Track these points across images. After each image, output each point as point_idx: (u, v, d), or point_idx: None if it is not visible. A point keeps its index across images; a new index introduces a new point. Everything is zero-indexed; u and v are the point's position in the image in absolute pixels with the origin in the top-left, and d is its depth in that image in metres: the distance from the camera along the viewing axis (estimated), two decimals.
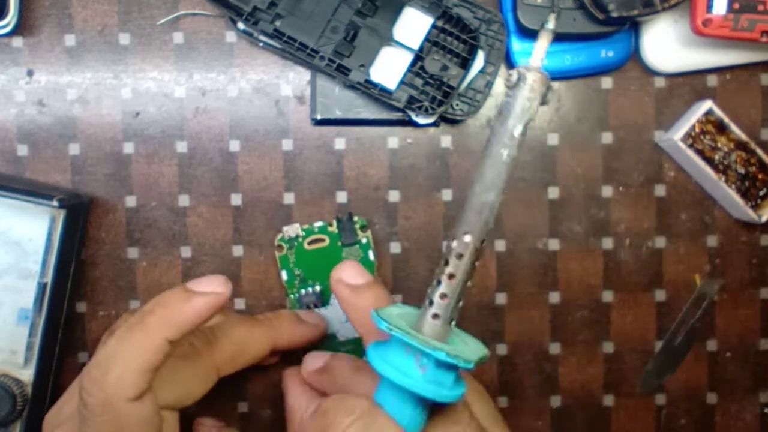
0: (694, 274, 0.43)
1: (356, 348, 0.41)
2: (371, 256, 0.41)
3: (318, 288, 0.41)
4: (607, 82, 0.43)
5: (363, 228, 0.41)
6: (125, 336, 0.30)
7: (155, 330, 0.30)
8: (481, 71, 0.41)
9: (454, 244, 0.29)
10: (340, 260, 0.41)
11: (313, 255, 0.41)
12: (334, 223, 0.41)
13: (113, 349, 0.30)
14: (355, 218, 0.41)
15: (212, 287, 0.31)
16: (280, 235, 0.41)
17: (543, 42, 0.29)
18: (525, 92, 0.28)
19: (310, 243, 0.41)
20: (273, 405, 0.43)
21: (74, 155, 0.42)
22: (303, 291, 0.41)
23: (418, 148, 0.43)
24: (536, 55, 0.29)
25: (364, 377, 0.32)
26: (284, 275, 0.41)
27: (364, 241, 0.41)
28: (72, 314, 0.42)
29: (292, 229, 0.41)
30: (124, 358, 0.30)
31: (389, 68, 0.40)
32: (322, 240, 0.41)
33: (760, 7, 0.37)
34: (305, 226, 0.41)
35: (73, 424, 0.33)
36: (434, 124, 0.42)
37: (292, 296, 0.41)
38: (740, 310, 0.43)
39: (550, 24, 0.29)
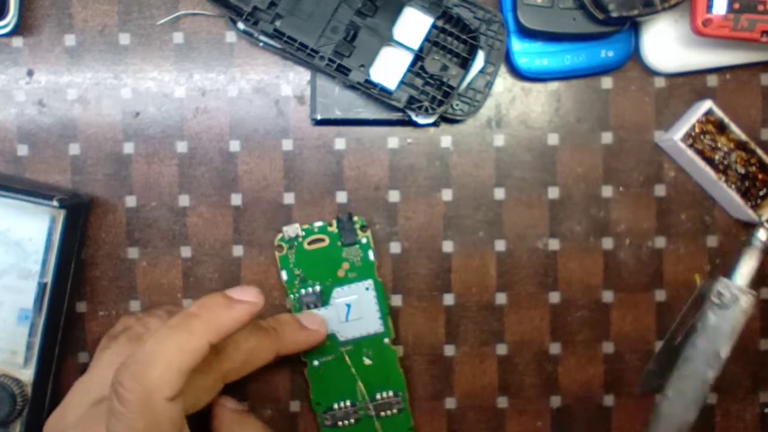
0: (694, 274, 0.43)
1: (355, 350, 0.41)
2: (371, 256, 0.41)
3: (318, 288, 0.41)
4: (607, 82, 0.43)
5: (363, 228, 0.41)
6: (168, 336, 0.31)
7: (199, 332, 0.31)
8: (481, 71, 0.41)
9: None
10: (340, 260, 0.41)
11: (313, 255, 0.41)
12: (334, 223, 0.41)
13: (154, 347, 0.30)
14: (355, 218, 0.41)
15: (249, 297, 0.33)
16: (280, 235, 0.41)
17: (751, 261, 0.27)
18: (737, 314, 0.27)
19: (310, 243, 0.41)
20: (273, 405, 0.43)
21: (74, 155, 0.42)
22: (303, 291, 0.41)
23: (418, 148, 0.43)
24: (745, 276, 0.27)
25: None
26: (284, 275, 0.41)
27: (364, 241, 0.41)
28: (72, 314, 0.42)
29: (292, 229, 0.41)
30: (167, 357, 0.30)
31: (389, 68, 0.40)
32: (322, 240, 0.41)
33: (760, 7, 0.37)
34: (305, 226, 0.41)
35: (82, 430, 0.33)
36: (434, 124, 0.42)
37: (292, 296, 0.41)
38: None
39: (762, 236, 0.27)
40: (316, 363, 0.41)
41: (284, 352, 0.38)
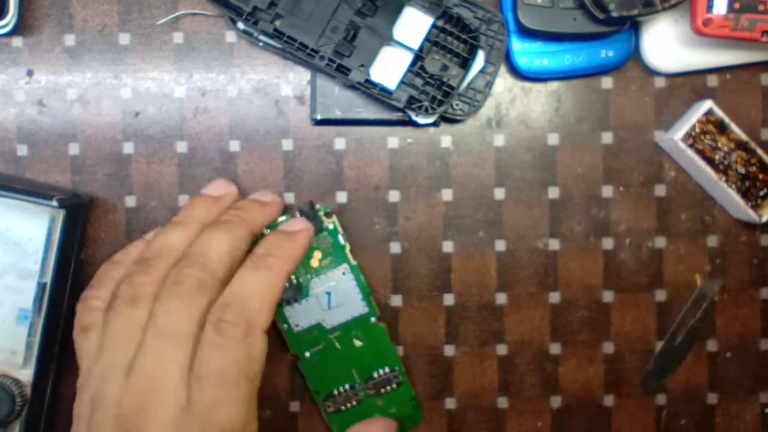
0: (694, 274, 0.43)
1: (344, 334, 0.41)
2: (341, 240, 0.41)
3: (294, 282, 0.41)
4: (607, 82, 0.43)
5: (327, 214, 0.41)
6: (254, 276, 0.34)
7: (278, 268, 0.35)
8: (481, 71, 0.41)
9: None
10: (311, 250, 0.41)
11: None
12: (297, 214, 0.41)
13: (245, 287, 0.34)
14: (318, 206, 0.41)
15: (301, 225, 0.38)
16: None
17: None
18: None
19: None
20: (273, 405, 0.43)
21: (74, 155, 0.42)
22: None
23: (418, 148, 0.43)
24: None
25: None
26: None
27: (330, 227, 0.41)
28: (72, 314, 0.41)
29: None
30: (260, 293, 0.34)
31: (389, 68, 0.40)
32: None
33: (761, 7, 0.37)
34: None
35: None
36: (434, 124, 0.42)
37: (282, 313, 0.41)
38: (740, 310, 0.43)
39: None
40: (307, 355, 0.41)
41: (256, 231, 0.38)
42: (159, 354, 0.32)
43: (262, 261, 0.35)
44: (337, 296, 0.41)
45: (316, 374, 0.41)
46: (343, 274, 0.41)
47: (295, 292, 0.40)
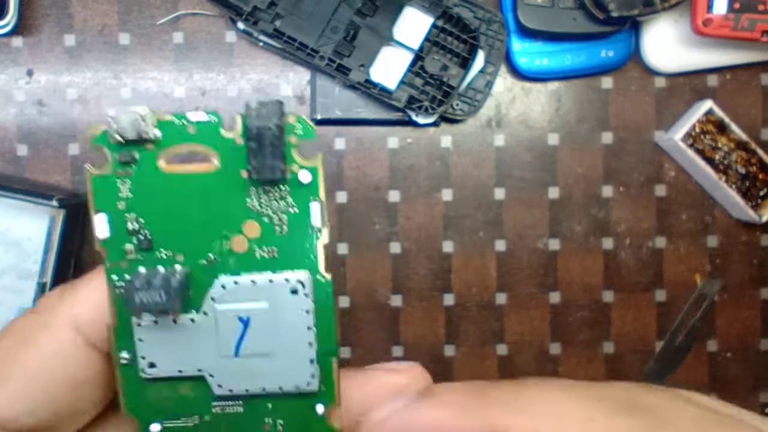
0: (695, 274, 0.43)
1: (252, 412, 0.18)
2: (315, 214, 0.19)
3: (180, 268, 0.18)
4: (607, 82, 0.43)
5: (304, 136, 0.18)
6: None
7: None
8: (481, 71, 0.41)
9: None
10: (242, 214, 0.18)
11: (178, 188, 0.18)
12: (238, 121, 0.17)
13: None
14: (289, 115, 0.17)
15: None
16: (100, 128, 0.18)
17: None
18: None
19: (173, 160, 0.18)
20: None
21: (74, 155, 0.42)
22: (141, 269, 0.18)
23: (418, 148, 0.43)
24: None
25: None
26: (101, 225, 0.18)
27: (305, 178, 0.19)
28: None
29: (128, 118, 0.18)
30: None
31: (389, 68, 0.40)
32: (205, 159, 0.17)
33: (761, 7, 0.37)
34: (167, 118, 0.17)
35: None
36: (434, 124, 0.42)
37: (115, 278, 0.18)
38: (740, 310, 0.43)
39: None
40: (156, 429, 0.18)
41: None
42: None
43: None
44: (261, 334, 0.18)
45: None
46: (294, 292, 0.18)
47: (172, 289, 0.17)
